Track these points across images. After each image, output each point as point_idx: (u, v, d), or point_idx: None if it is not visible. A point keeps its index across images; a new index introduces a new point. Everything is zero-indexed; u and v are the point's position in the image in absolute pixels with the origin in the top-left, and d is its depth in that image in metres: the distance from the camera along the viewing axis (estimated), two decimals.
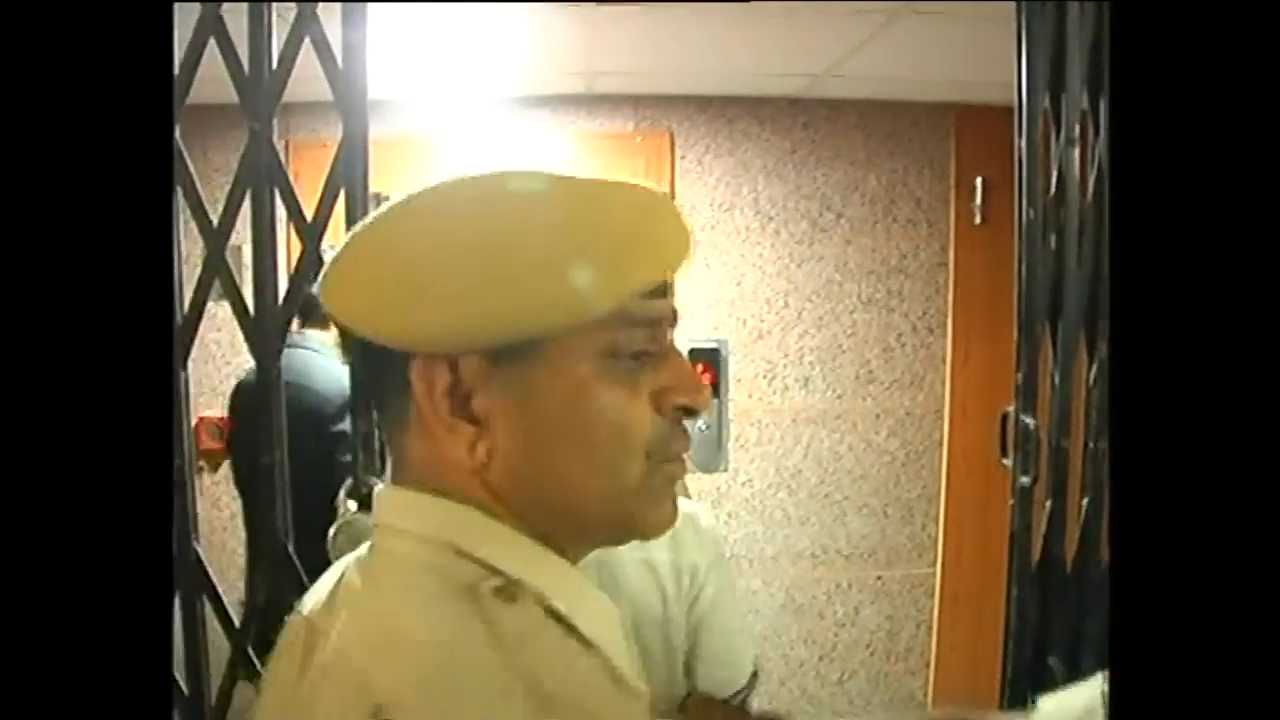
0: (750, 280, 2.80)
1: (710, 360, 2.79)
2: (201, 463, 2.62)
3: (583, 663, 0.60)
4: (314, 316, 2.01)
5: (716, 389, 2.81)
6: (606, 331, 0.61)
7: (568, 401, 0.61)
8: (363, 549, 0.66)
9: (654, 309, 0.63)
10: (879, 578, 2.91)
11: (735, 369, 2.82)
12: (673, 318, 0.65)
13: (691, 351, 2.77)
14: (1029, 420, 1.36)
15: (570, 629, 0.61)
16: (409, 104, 2.53)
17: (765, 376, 2.83)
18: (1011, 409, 1.40)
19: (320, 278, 0.65)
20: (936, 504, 2.90)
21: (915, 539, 2.92)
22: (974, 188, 2.80)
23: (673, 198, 2.70)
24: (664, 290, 0.64)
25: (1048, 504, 1.35)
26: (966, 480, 2.87)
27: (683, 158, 2.76)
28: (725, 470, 2.84)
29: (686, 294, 2.86)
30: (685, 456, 0.66)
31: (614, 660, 0.62)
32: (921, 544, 2.92)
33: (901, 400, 2.87)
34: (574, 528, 0.64)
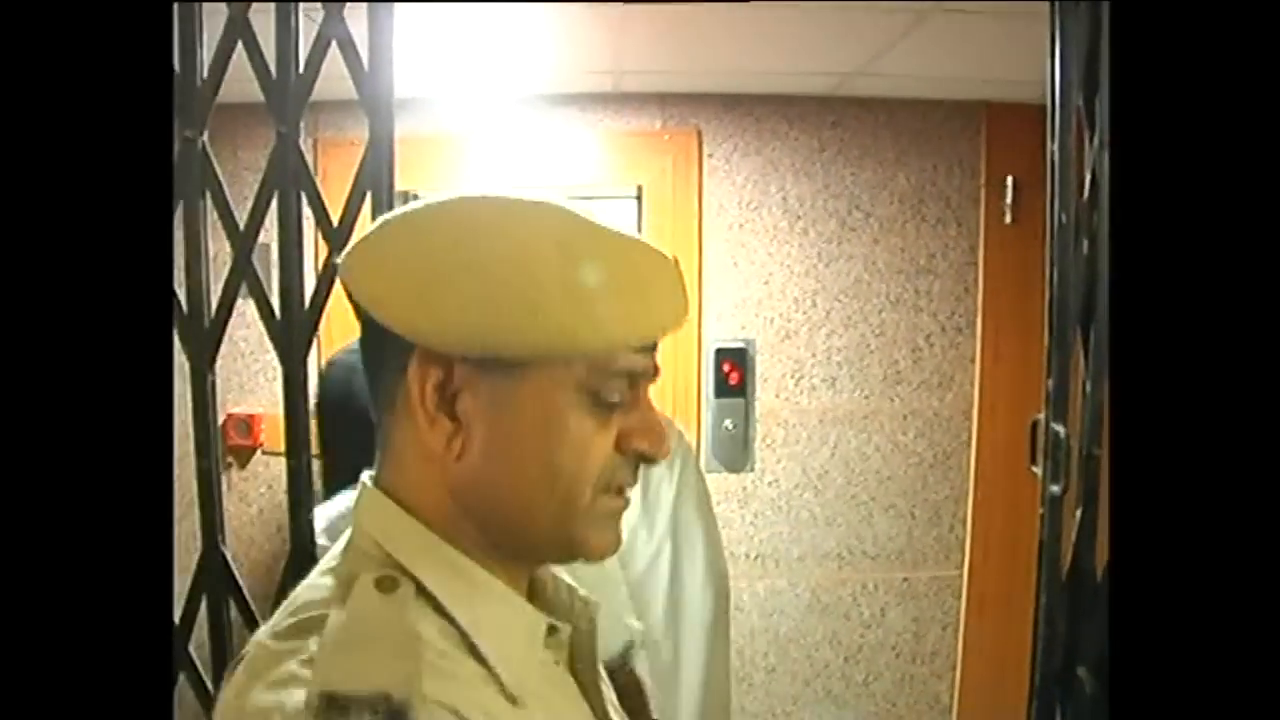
0: (778, 279, 2.79)
1: (737, 360, 2.78)
2: (229, 459, 2.64)
3: (449, 655, 0.64)
4: None
5: (743, 389, 2.79)
6: (589, 372, 0.67)
7: (541, 420, 0.67)
8: (345, 535, 0.73)
9: (637, 363, 0.69)
10: (905, 579, 2.89)
11: (762, 369, 2.80)
12: (654, 374, 0.71)
13: (718, 351, 2.76)
14: (1059, 428, 1.34)
15: (456, 629, 0.66)
16: (436, 101, 2.53)
17: (792, 376, 2.82)
18: (1042, 416, 1.38)
19: (344, 253, 0.71)
20: (964, 505, 2.88)
21: (942, 540, 2.90)
22: (1004, 186, 2.76)
23: (700, 196, 2.70)
24: (651, 346, 0.70)
25: (1078, 513, 1.33)
26: (994, 482, 2.84)
27: (710, 156, 2.74)
28: (751, 470, 2.82)
29: (714, 293, 2.87)
30: (629, 493, 0.72)
31: (498, 669, 0.66)
32: (948, 546, 2.90)
33: (930, 401, 2.85)
34: (520, 538, 0.70)
